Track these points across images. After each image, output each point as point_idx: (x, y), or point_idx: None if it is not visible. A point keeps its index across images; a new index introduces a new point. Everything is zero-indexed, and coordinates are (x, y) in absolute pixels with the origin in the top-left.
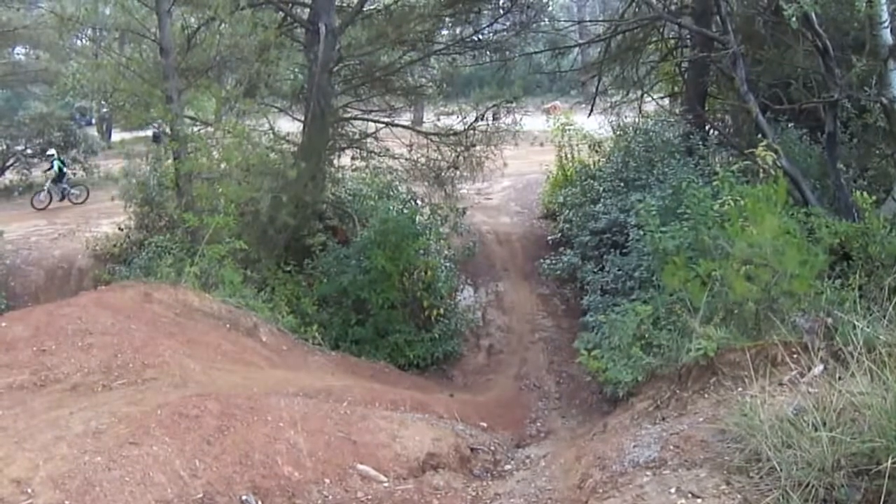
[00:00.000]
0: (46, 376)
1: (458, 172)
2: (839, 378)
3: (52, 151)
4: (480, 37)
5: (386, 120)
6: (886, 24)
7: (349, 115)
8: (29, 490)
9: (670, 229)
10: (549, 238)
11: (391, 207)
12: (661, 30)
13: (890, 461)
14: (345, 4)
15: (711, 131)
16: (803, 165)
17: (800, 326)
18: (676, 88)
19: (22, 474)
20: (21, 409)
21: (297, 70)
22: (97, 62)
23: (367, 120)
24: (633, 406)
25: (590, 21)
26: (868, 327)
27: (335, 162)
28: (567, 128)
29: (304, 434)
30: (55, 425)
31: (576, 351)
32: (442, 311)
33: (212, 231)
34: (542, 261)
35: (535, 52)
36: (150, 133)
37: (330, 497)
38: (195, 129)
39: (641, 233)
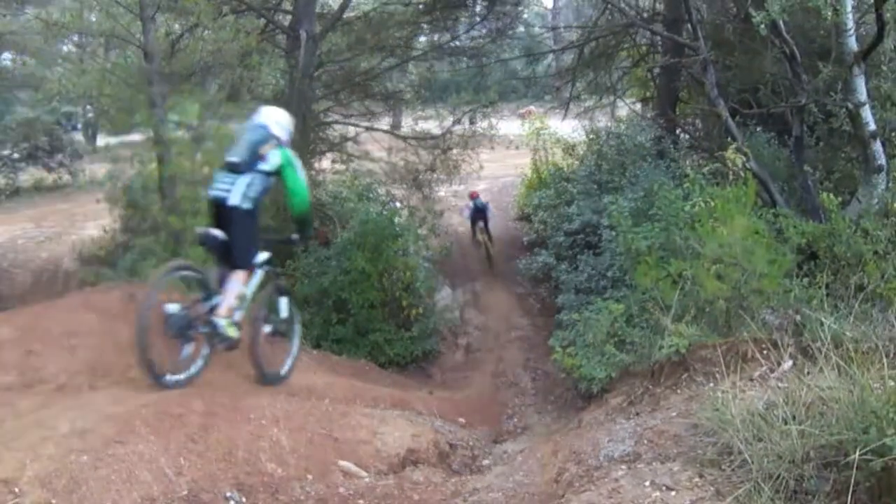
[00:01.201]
0: (33, 377)
1: (435, 175)
2: (808, 373)
3: None
4: (457, 43)
5: (365, 124)
6: (851, 31)
7: (329, 119)
8: (16, 489)
9: (642, 230)
10: (525, 239)
11: (371, 209)
12: (633, 36)
13: (857, 453)
14: (325, 11)
15: (682, 135)
16: (771, 168)
17: (769, 323)
18: (648, 93)
19: (9, 474)
20: (8, 409)
21: (278, 75)
22: (82, 67)
23: (347, 124)
24: (608, 402)
25: (564, 28)
26: (835, 324)
27: (316, 165)
28: (541, 132)
29: (287, 432)
30: (42, 425)
31: (551, 348)
32: (421, 310)
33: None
34: (517, 261)
35: (511, 58)
36: (134, 137)
37: (312, 493)
38: (179, 133)
39: (614, 233)
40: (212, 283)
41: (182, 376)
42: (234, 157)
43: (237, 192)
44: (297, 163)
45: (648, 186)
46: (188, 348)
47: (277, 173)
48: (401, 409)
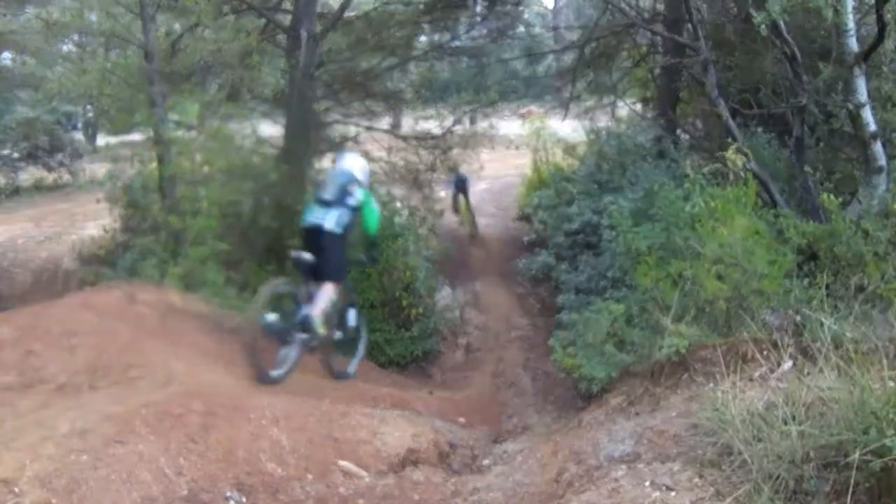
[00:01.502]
0: (33, 377)
1: (435, 175)
2: (808, 373)
3: None
4: (458, 43)
5: (366, 124)
6: (852, 32)
7: (330, 118)
8: (16, 489)
9: (642, 230)
10: (525, 239)
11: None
12: (633, 37)
13: (857, 453)
14: (326, 11)
15: (683, 135)
16: (772, 168)
17: (769, 324)
18: (649, 93)
19: (9, 474)
20: (8, 409)
21: (278, 75)
22: (83, 67)
23: (348, 124)
24: (607, 402)
25: (564, 28)
26: (835, 324)
27: (316, 165)
28: (542, 132)
29: (287, 432)
30: (42, 425)
31: (551, 348)
32: (421, 310)
33: (195, 233)
34: (517, 261)
35: (511, 59)
36: (134, 137)
37: (312, 493)
38: (179, 132)
39: (614, 233)
40: (301, 297)
41: (281, 371)
42: (326, 195)
43: (331, 220)
44: (373, 200)
45: (649, 186)
46: (283, 349)
47: (359, 208)
48: (401, 408)
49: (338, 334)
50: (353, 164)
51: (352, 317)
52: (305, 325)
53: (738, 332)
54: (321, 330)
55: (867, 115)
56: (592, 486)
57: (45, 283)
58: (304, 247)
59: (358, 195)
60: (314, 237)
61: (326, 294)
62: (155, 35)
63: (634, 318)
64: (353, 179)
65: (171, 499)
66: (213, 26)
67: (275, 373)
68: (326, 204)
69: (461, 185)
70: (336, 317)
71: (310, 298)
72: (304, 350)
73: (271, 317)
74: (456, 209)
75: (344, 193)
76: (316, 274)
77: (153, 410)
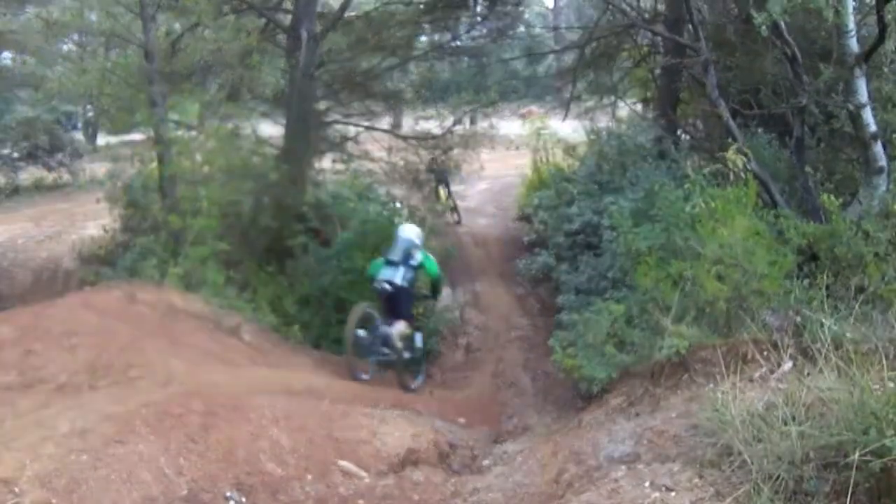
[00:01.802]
0: (33, 377)
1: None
2: (808, 374)
3: None
4: (458, 43)
5: (366, 124)
6: (853, 33)
7: (330, 118)
8: (16, 489)
9: (643, 230)
10: (525, 239)
11: (371, 209)
12: (634, 37)
13: (857, 454)
14: (326, 11)
15: (683, 135)
16: (772, 169)
17: (769, 324)
18: (649, 94)
19: (9, 474)
20: (8, 409)
21: (279, 75)
22: (83, 67)
23: (348, 124)
24: (607, 402)
25: (565, 28)
26: (835, 325)
27: (316, 165)
28: (542, 132)
29: (287, 432)
30: (42, 425)
31: (551, 349)
32: (420, 310)
33: (195, 233)
34: (517, 261)
35: (512, 59)
36: (135, 137)
37: (312, 493)
38: (179, 132)
39: (614, 234)
40: (380, 318)
41: (368, 376)
42: (394, 257)
43: (400, 277)
44: (431, 256)
45: (649, 187)
46: (370, 359)
47: (420, 266)
48: (401, 408)
49: (407, 354)
50: (411, 232)
51: (418, 340)
52: (386, 341)
53: (738, 332)
54: (399, 345)
55: (867, 115)
56: (592, 487)
57: (45, 283)
58: (378, 298)
59: (418, 257)
60: (388, 290)
61: (402, 325)
62: (155, 35)
63: (634, 318)
64: (413, 245)
65: (171, 499)
66: (213, 26)
67: (364, 376)
68: (394, 264)
69: (441, 178)
70: (408, 341)
71: (390, 322)
72: (384, 361)
73: (361, 332)
74: (437, 198)
75: (407, 256)
76: (392, 314)
77: (153, 410)
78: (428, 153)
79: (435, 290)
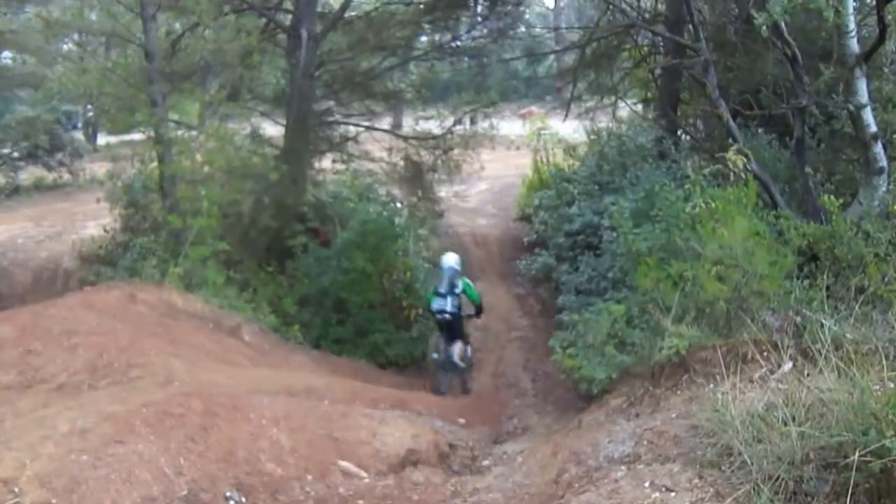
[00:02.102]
0: (33, 376)
1: (436, 175)
2: (808, 375)
3: None
4: (458, 43)
5: (366, 124)
6: (853, 33)
7: (330, 118)
8: (16, 489)
9: (643, 231)
10: (525, 239)
11: (371, 209)
12: (634, 37)
13: (857, 455)
14: (326, 10)
15: (683, 136)
16: (773, 169)
17: (769, 325)
18: (649, 94)
19: (9, 473)
20: (8, 408)
21: (279, 75)
22: (83, 66)
23: (348, 124)
24: (607, 403)
25: (565, 28)
26: (835, 326)
27: (316, 165)
28: (542, 132)
29: (287, 432)
30: (42, 425)
31: (551, 349)
32: (421, 311)
33: (195, 233)
34: (518, 262)
35: (512, 59)
36: (135, 137)
37: (312, 493)
38: (179, 132)
39: (615, 234)
40: (447, 345)
41: (446, 390)
42: (442, 289)
43: (450, 305)
44: (471, 282)
45: (649, 187)
46: (443, 375)
47: (464, 291)
48: (401, 409)
49: (463, 365)
50: (451, 260)
51: (469, 352)
52: (451, 363)
53: (738, 333)
54: (461, 364)
55: (868, 116)
56: (592, 487)
57: (45, 283)
58: (438, 324)
59: (460, 284)
60: (447, 319)
61: (459, 345)
62: (155, 34)
63: (635, 319)
64: (455, 272)
65: (170, 499)
66: (213, 26)
67: (443, 389)
68: (443, 295)
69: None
70: (463, 354)
71: (450, 347)
72: (453, 376)
73: (435, 355)
74: None
75: (452, 285)
76: (451, 336)
77: (153, 410)
78: (428, 153)
79: (479, 310)
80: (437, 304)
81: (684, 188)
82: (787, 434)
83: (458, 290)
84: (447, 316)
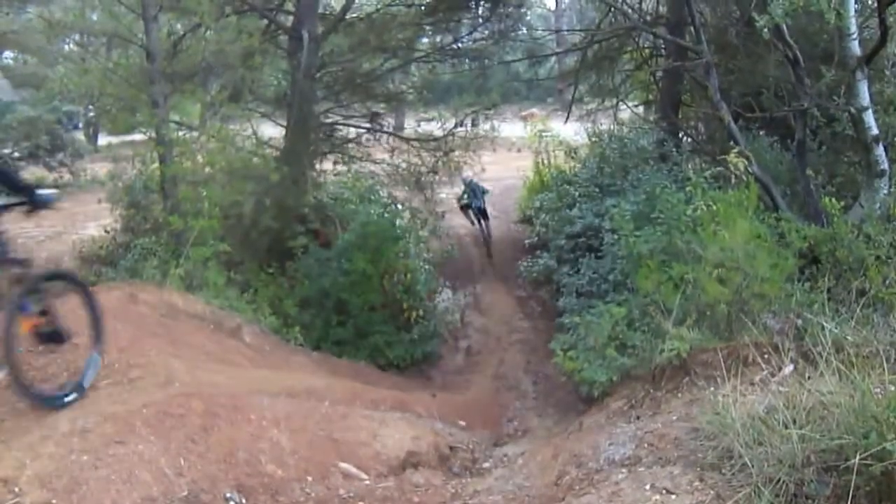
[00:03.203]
0: (34, 376)
1: (437, 177)
2: (808, 377)
3: None
4: (460, 45)
5: (367, 125)
6: (855, 35)
7: (331, 120)
8: (16, 489)
9: (644, 233)
10: (526, 241)
11: (372, 211)
12: (636, 39)
13: (858, 458)
14: (327, 12)
15: (685, 138)
16: (774, 172)
17: (770, 327)
18: (651, 96)
19: (9, 473)
20: (8, 408)
21: (280, 76)
22: (84, 67)
23: (349, 125)
24: (608, 405)
25: (567, 30)
26: (836, 328)
27: (317, 166)
28: (544, 134)
29: (287, 433)
30: (42, 424)
31: (552, 352)
32: (421, 312)
33: (196, 234)
34: (518, 264)
35: (513, 61)
36: (136, 137)
37: (312, 494)
38: (180, 133)
39: (616, 237)
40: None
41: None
42: (476, 196)
43: (482, 202)
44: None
45: (650, 190)
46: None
47: (483, 194)
48: (401, 411)
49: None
50: (474, 180)
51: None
52: (486, 213)
53: (739, 335)
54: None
55: (869, 118)
56: (593, 490)
57: None
58: (476, 211)
59: (481, 193)
60: (480, 207)
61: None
62: (157, 35)
63: (636, 321)
64: (479, 185)
65: (171, 499)
66: (215, 27)
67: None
68: (478, 197)
69: (469, 204)
70: None
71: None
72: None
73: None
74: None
75: (482, 191)
76: (484, 216)
77: (154, 410)
78: (430, 155)
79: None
80: (475, 203)
81: (685, 190)
82: (787, 437)
83: (483, 195)
84: (482, 206)
